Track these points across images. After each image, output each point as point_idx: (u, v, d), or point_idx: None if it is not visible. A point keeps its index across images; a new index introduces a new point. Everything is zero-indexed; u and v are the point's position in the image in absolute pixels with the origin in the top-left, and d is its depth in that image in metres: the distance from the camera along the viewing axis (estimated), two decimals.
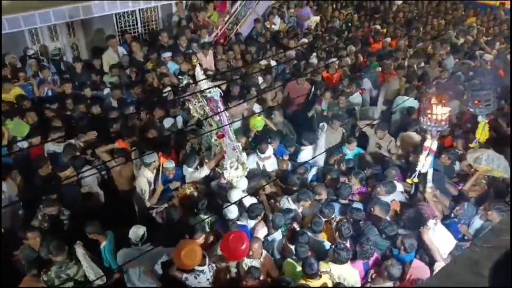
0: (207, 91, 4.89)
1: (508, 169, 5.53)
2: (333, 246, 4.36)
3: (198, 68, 5.10)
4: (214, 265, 4.43)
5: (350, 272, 4.26)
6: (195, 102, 4.98)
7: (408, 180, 5.40)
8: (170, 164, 5.69)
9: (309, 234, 4.68)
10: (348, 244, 4.51)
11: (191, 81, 5.11)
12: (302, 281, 4.09)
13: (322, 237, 4.81)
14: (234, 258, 4.34)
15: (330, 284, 4.17)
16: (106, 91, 7.87)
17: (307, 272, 4.09)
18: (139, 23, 10.31)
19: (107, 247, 4.68)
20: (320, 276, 4.12)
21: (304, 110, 7.68)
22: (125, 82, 8.08)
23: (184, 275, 4.31)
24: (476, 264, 1.40)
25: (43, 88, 7.82)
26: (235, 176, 5.27)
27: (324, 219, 4.83)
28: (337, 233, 4.63)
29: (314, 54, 9.34)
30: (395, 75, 8.37)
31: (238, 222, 4.87)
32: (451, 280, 1.45)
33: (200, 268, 4.25)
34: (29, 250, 4.69)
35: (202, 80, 4.97)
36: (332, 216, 4.94)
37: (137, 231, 4.51)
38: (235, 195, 5.09)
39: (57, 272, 4.29)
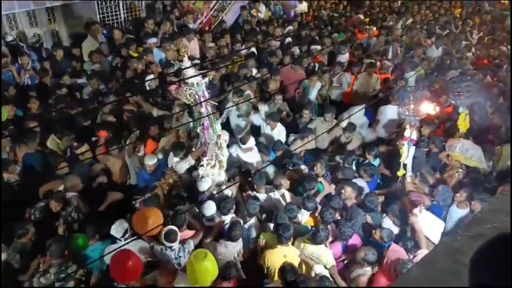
0: (195, 84, 4.80)
1: (483, 160, 5.61)
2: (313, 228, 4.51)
3: (186, 58, 5.01)
4: (191, 246, 4.41)
5: (324, 252, 4.36)
6: (186, 89, 4.88)
7: (398, 173, 5.45)
8: (151, 161, 5.66)
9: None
10: (329, 228, 4.59)
11: (182, 67, 4.97)
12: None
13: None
14: (124, 279, 4.03)
15: (296, 256, 4.32)
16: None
17: (280, 233, 4.24)
18: (121, 10, 10.08)
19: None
20: (288, 245, 4.30)
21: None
22: (105, 70, 7.92)
23: (151, 243, 4.43)
24: (458, 252, 1.40)
25: (24, 75, 7.60)
26: (211, 173, 5.24)
27: (308, 212, 4.91)
28: (319, 219, 4.75)
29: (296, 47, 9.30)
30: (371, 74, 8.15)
31: (210, 224, 4.84)
32: (433, 268, 1.45)
33: (168, 244, 4.29)
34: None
35: (188, 67, 4.88)
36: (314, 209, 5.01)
37: (118, 227, 4.44)
38: (205, 185, 5.10)
39: (56, 274, 4.12)
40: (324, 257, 4.34)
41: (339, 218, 4.95)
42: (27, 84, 7.61)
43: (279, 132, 6.63)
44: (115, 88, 7.34)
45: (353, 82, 8.08)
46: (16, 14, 8.76)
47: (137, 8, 10.37)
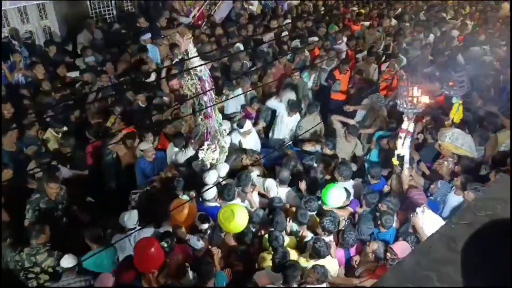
0: (198, 70, 4.80)
1: (473, 148, 5.62)
2: (311, 241, 4.18)
3: (191, 45, 4.95)
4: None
5: (329, 263, 4.13)
6: (188, 79, 4.88)
7: (393, 160, 5.43)
8: (145, 145, 5.62)
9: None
10: (332, 237, 4.39)
11: (186, 58, 4.93)
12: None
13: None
14: (145, 267, 3.91)
15: None
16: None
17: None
18: (113, 5, 10.01)
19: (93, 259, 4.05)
20: None
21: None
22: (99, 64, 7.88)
23: (188, 236, 4.39)
24: (453, 241, 1.42)
25: (16, 73, 7.53)
26: (211, 158, 5.22)
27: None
28: (320, 228, 4.40)
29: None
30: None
31: (211, 204, 4.85)
32: (429, 256, 1.47)
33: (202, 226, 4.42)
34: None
35: (194, 57, 4.86)
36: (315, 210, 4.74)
37: (132, 216, 4.41)
38: (211, 178, 5.02)
39: (28, 254, 4.16)
40: (332, 269, 4.11)
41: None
42: (20, 83, 7.55)
43: (295, 119, 6.78)
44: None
45: (350, 76, 8.05)
46: (7, 11, 8.66)
47: (129, 3, 10.30)
